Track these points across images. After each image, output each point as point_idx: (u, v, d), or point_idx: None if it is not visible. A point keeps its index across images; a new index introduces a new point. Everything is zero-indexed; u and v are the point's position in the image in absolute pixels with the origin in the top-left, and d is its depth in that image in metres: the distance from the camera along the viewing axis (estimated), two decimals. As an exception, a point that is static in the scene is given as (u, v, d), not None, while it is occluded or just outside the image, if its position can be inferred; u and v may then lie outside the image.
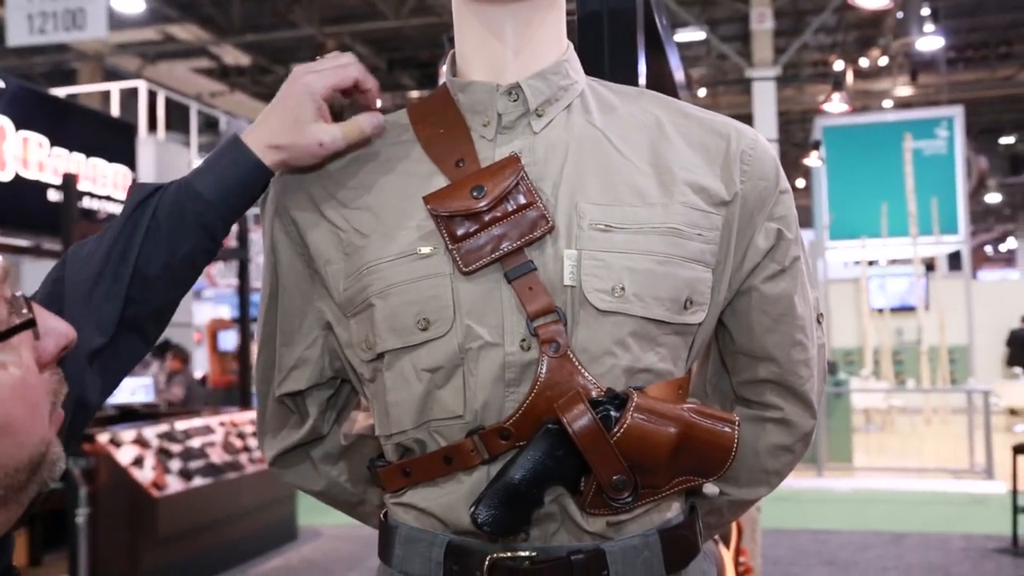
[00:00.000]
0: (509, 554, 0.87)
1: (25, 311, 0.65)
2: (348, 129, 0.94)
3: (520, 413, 0.85)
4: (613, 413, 0.83)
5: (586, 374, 0.86)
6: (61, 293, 0.88)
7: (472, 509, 0.84)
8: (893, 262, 15.57)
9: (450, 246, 0.88)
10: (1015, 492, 5.80)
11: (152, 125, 11.95)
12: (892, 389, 12.21)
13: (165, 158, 11.66)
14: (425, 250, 0.89)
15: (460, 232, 0.88)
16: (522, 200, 0.88)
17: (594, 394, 0.85)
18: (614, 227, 0.88)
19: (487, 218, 0.88)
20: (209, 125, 14.71)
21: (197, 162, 15.09)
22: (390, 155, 0.97)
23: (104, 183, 7.88)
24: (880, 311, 14.20)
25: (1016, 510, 5.63)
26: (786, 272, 0.97)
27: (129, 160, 8.23)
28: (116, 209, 7.67)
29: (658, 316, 0.88)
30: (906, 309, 14.45)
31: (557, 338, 0.85)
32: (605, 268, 0.87)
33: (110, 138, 8.11)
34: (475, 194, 0.88)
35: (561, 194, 0.90)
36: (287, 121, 0.92)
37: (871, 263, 15.05)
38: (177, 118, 13.34)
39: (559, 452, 0.83)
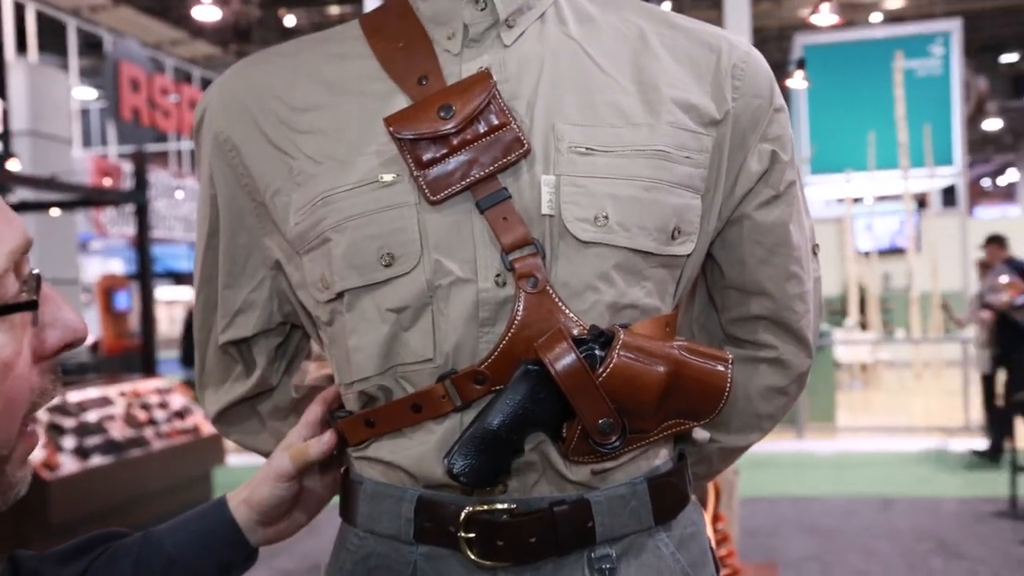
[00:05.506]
0: (486, 507, 0.91)
1: (30, 295, 0.65)
2: (295, 452, 1.01)
3: (496, 355, 0.90)
4: (598, 352, 0.88)
5: (567, 311, 0.90)
6: None
7: (446, 459, 0.89)
8: (881, 199, 15.91)
9: (415, 172, 0.91)
10: (1014, 450, 6.06)
11: (21, 45, 11.60)
12: (879, 340, 12.53)
13: (40, 84, 11.36)
14: (387, 177, 0.92)
15: (426, 157, 0.91)
16: (494, 121, 0.92)
17: (576, 332, 0.89)
18: (596, 150, 0.92)
19: (456, 141, 0.91)
20: (90, 46, 14.31)
21: (78, 89, 14.72)
22: (343, 73, 0.99)
23: (-32, 115, 7.65)
24: (866, 254, 14.55)
25: (1016, 469, 5.88)
26: (781, 198, 1.02)
27: (-3, 87, 8.01)
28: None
29: (644, 247, 0.93)
30: (895, 251, 14.83)
31: (535, 272, 0.89)
32: (586, 195, 0.91)
33: (-28, 61, 7.86)
34: (442, 114, 0.91)
35: (537, 114, 0.94)
36: (261, 476, 1.01)
37: (856, 200, 15.35)
38: (51, 37, 12.96)
39: (540, 395, 0.88)
